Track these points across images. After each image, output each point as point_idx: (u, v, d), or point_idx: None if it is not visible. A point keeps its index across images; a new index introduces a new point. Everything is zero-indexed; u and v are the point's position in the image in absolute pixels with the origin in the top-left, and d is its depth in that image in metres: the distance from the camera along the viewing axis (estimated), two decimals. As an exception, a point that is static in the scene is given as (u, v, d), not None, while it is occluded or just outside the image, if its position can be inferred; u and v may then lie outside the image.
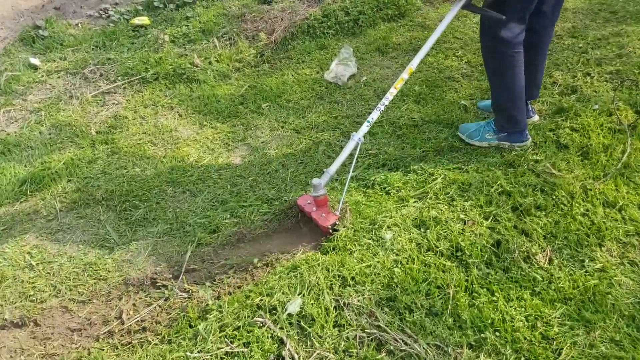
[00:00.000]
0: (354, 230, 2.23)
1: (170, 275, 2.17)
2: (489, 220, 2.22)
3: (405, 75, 2.37)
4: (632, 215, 2.25)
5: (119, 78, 3.62)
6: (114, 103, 3.42)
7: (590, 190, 2.36)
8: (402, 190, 2.48)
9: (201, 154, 2.94)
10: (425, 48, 2.37)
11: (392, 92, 2.37)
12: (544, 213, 2.26)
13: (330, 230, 2.21)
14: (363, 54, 3.83)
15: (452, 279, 1.97)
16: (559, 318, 1.87)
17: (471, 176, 2.48)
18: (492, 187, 2.38)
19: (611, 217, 2.24)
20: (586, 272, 2.03)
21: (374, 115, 2.34)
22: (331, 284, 1.95)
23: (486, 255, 2.07)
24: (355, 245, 2.15)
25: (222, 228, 2.38)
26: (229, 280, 2.10)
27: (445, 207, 2.31)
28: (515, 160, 2.55)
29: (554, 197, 2.32)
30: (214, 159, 2.90)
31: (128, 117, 3.28)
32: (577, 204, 2.29)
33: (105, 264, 2.26)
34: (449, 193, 2.38)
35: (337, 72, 3.53)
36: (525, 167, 2.50)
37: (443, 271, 2.02)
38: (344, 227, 2.24)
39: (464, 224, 2.20)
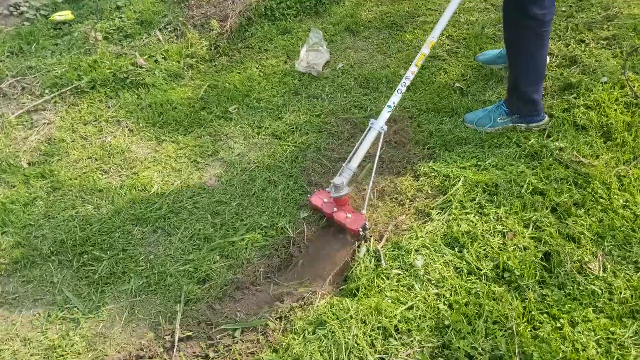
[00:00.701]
0: (376, 260, 1.86)
1: (161, 349, 1.72)
2: (530, 228, 1.92)
3: (426, 50, 2.08)
4: (674, 200, 2.03)
5: (47, 91, 2.97)
6: (44, 123, 2.80)
7: (625, 177, 2.12)
8: (418, 200, 2.13)
9: (166, 178, 2.43)
10: (447, 16, 2.08)
11: (413, 71, 2.10)
12: (584, 211, 1.98)
13: (361, 233, 1.92)
14: (332, 36, 3.39)
15: (510, 309, 1.66)
16: (632, 337, 1.61)
17: (494, 174, 2.16)
18: (522, 186, 2.08)
19: (653, 206, 2.01)
20: (645, 276, 1.78)
21: (395, 99, 2.07)
22: (372, 340, 1.58)
23: (538, 273, 1.77)
24: (383, 279, 1.79)
25: (213, 275, 1.94)
26: (238, 346, 1.68)
27: (476, 217, 1.98)
28: (537, 151, 2.25)
29: (590, 190, 2.06)
30: (184, 182, 2.40)
31: (65, 139, 2.68)
32: (615, 196, 2.03)
33: (72, 344, 1.76)
34: (475, 199, 2.06)
35: (308, 61, 3.08)
36: (550, 157, 2.22)
37: (494, 299, 1.70)
38: (362, 258, 1.86)
39: (504, 237, 1.89)
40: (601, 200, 2.02)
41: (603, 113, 2.41)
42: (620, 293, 1.72)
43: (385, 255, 1.87)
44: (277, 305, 1.77)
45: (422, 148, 2.42)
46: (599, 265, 1.81)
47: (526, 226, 1.93)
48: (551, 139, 2.32)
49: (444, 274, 1.78)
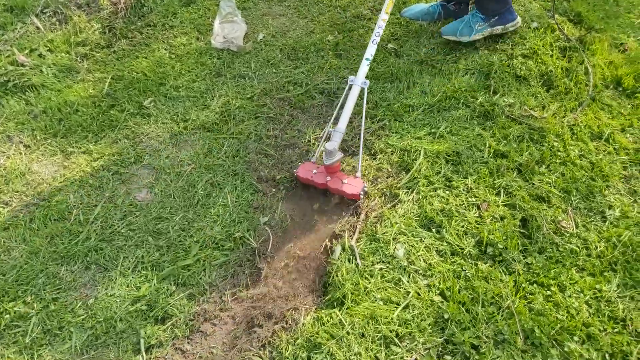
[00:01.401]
0: (356, 258, 1.70)
1: (130, 415, 1.45)
2: (502, 195, 1.85)
3: None
4: (621, 142, 2.07)
5: None
6: None
7: (575, 125, 2.12)
8: (380, 181, 1.98)
9: (86, 199, 2.04)
10: None
11: (384, 19, 2.16)
12: (545, 167, 1.96)
13: (362, 197, 1.88)
14: (244, 3, 3.04)
15: (503, 286, 1.59)
16: (616, 291, 1.63)
17: (452, 141, 2.06)
18: (483, 151, 2.01)
19: (604, 151, 2.04)
20: (611, 223, 1.81)
21: (372, 51, 2.04)
22: (375, 354, 1.44)
23: (519, 242, 1.72)
24: (368, 279, 1.64)
25: (172, 311, 1.66)
26: (223, 391, 1.46)
27: (446, 192, 1.88)
28: (488, 110, 2.18)
29: (546, 144, 2.04)
30: (109, 201, 2.04)
31: (-58, 169, 2.15)
32: (570, 147, 2.03)
33: None
34: (440, 172, 1.95)
35: (225, 35, 2.73)
36: (502, 115, 2.16)
37: (484, 279, 1.63)
38: (338, 259, 1.70)
39: (479, 210, 1.81)
40: (559, 153, 2.01)
41: (540, 61, 2.39)
42: (596, 247, 1.73)
43: (364, 250, 1.71)
44: (256, 332, 1.56)
45: (371, 122, 2.25)
46: (572, 221, 1.81)
47: (497, 194, 1.86)
48: (498, 95, 2.26)
49: (429, 261, 1.67)
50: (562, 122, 2.12)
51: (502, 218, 1.78)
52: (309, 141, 2.20)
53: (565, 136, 2.06)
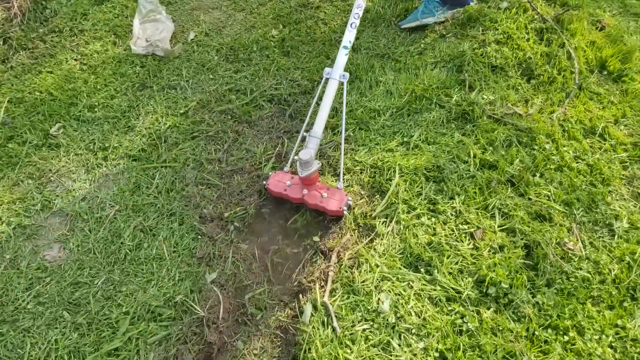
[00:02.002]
0: (331, 318, 1.36)
1: None
2: (497, 217, 1.55)
3: None
4: (616, 136, 1.82)
5: None
6: None
7: (565, 121, 1.85)
8: (352, 206, 1.63)
9: (-20, 265, 1.59)
10: None
11: None
12: (540, 177, 1.68)
13: (345, 213, 1.58)
14: (169, -3, 2.58)
15: (514, 338, 1.29)
16: (640, 324, 1.37)
17: (429, 153, 1.74)
18: (468, 162, 1.69)
19: (600, 149, 1.79)
20: (620, 237, 1.56)
21: (350, 37, 1.71)
22: None
23: (524, 276, 1.42)
24: (349, 347, 1.30)
25: (100, 416, 1.27)
26: None
27: (432, 219, 1.55)
28: (466, 110, 1.87)
29: (537, 147, 1.75)
30: (10, 265, 1.59)
31: None
32: (563, 148, 1.76)
33: None
34: (421, 193, 1.62)
35: (148, 37, 2.28)
36: (484, 116, 1.85)
37: (492, 332, 1.33)
38: (310, 324, 1.35)
39: (473, 239, 1.50)
40: (552, 157, 1.73)
41: (516, 46, 2.10)
42: (610, 271, 1.46)
43: (341, 308, 1.37)
44: None
45: (332, 133, 1.89)
46: (578, 242, 1.53)
47: (492, 216, 1.56)
48: (475, 91, 1.95)
49: (422, 314, 1.35)
50: (551, 118, 1.84)
51: (501, 248, 1.48)
52: (261, 163, 1.82)
53: (557, 135, 1.79)
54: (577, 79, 1.96)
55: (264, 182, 1.68)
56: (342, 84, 1.65)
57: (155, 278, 1.53)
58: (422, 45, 2.19)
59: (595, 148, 1.79)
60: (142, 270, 1.55)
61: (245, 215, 1.66)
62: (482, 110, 1.85)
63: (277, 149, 1.85)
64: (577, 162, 1.73)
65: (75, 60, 2.26)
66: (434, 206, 1.58)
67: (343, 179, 1.66)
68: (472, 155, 1.70)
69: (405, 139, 1.81)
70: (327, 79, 1.66)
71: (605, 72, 2.06)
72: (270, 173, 1.71)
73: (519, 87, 1.97)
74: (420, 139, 1.81)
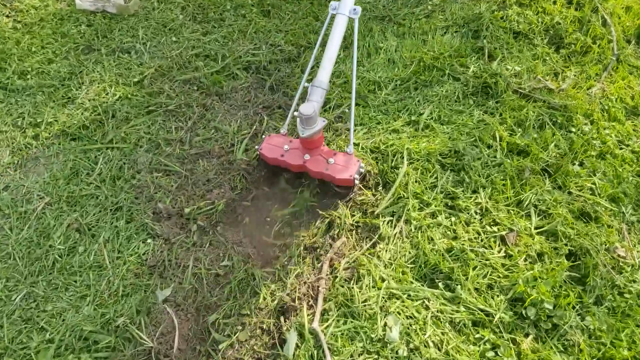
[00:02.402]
0: (322, 349, 1.02)
1: None
2: (533, 216, 1.22)
3: None
4: (663, 118, 1.51)
5: None
6: None
7: (604, 98, 1.53)
8: (350, 205, 1.29)
9: None
10: None
11: None
12: (580, 165, 1.36)
13: (357, 182, 1.27)
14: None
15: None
16: None
17: (444, 135, 1.40)
18: (493, 147, 1.36)
19: (646, 133, 1.47)
20: (679, 241, 1.25)
21: None
22: None
23: (569, 290, 1.11)
24: (347, 391, 0.96)
25: None
26: None
27: (451, 218, 1.22)
28: (488, 83, 1.53)
29: (575, 129, 1.43)
30: None
31: None
32: (605, 131, 1.44)
33: None
34: (436, 185, 1.29)
35: (97, -9, 1.87)
36: (509, 90, 1.52)
37: (533, 367, 1.01)
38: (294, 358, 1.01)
39: (504, 244, 1.17)
40: (593, 142, 1.41)
41: (542, 9, 1.77)
42: (672, 284, 1.16)
43: (335, 336, 1.03)
44: None
45: (324, 110, 1.54)
46: (630, 247, 1.22)
47: (527, 215, 1.23)
48: (496, 61, 1.61)
49: (442, 345, 1.02)
50: (589, 95, 1.52)
51: (540, 256, 1.16)
52: (233, 145, 1.46)
53: (596, 115, 1.47)
54: (615, 49, 1.64)
55: (257, 148, 1.36)
56: (352, 20, 1.29)
57: (91, 293, 1.17)
58: (429, 7, 1.84)
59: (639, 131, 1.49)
60: (75, 282, 1.19)
61: (213, 212, 1.30)
62: (506, 83, 1.51)
63: (254, 127, 1.48)
64: (622, 150, 1.42)
65: (8, 17, 1.85)
66: (453, 202, 1.25)
67: (353, 143, 1.32)
68: (497, 138, 1.37)
69: (413, 118, 1.47)
70: (333, 15, 1.30)
71: (644, 43, 1.75)
72: (264, 136, 1.38)
73: (547, 58, 1.64)
74: (431, 118, 1.47)
